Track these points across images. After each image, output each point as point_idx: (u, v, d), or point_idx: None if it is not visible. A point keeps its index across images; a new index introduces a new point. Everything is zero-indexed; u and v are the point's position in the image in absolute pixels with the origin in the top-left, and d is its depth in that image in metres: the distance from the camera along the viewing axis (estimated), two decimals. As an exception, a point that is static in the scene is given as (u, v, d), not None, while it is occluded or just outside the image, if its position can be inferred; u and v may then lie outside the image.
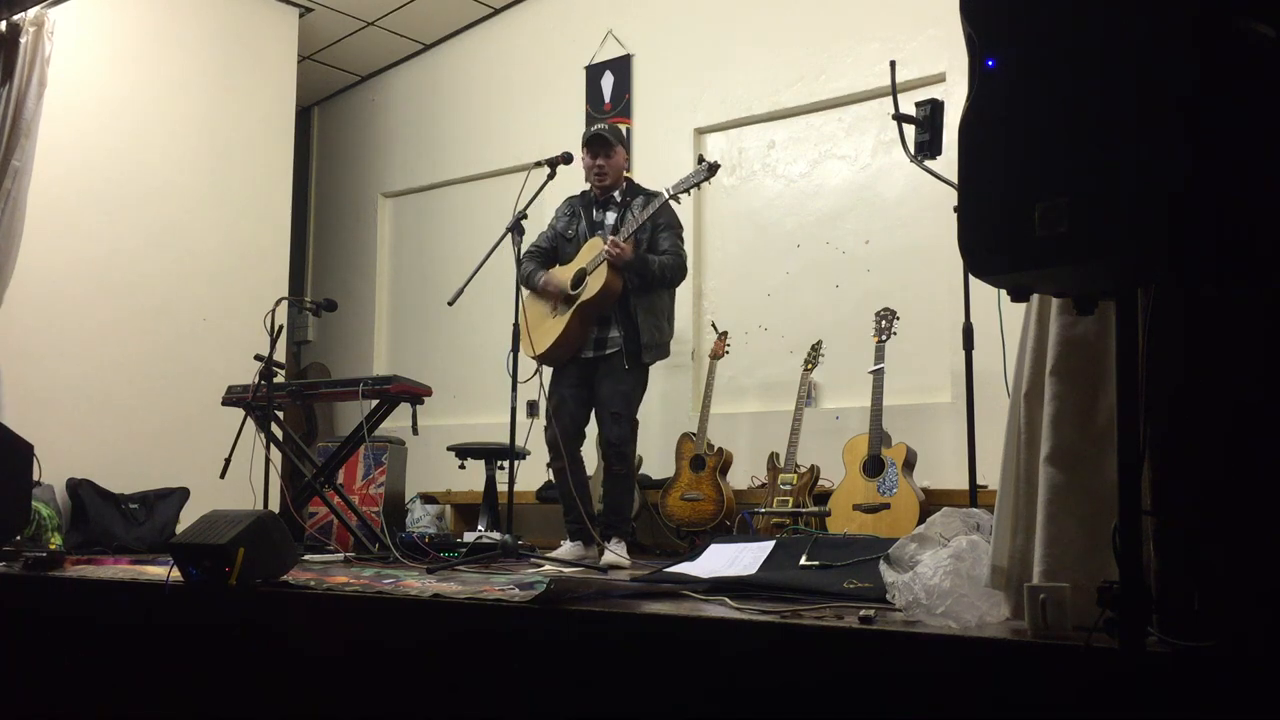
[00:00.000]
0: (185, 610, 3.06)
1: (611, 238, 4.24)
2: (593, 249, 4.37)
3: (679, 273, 4.42)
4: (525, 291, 4.47)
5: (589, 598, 2.49)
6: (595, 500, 4.60)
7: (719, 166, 4.28)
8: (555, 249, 4.60)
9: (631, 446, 4.43)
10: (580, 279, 4.36)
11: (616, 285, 4.28)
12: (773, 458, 4.91)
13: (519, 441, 4.21)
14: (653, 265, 4.31)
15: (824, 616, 2.12)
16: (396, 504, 5.77)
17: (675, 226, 4.45)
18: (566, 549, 4.31)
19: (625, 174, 4.64)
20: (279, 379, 4.58)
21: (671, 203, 4.31)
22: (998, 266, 1.75)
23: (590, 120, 6.23)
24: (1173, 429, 1.80)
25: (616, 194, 4.53)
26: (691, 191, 4.30)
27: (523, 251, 4.42)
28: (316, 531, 4.94)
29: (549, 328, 4.39)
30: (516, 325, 4.17)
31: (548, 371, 4.48)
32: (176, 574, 3.05)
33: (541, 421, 4.51)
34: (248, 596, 2.91)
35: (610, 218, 4.48)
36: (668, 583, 2.87)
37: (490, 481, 5.40)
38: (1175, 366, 1.80)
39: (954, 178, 1.85)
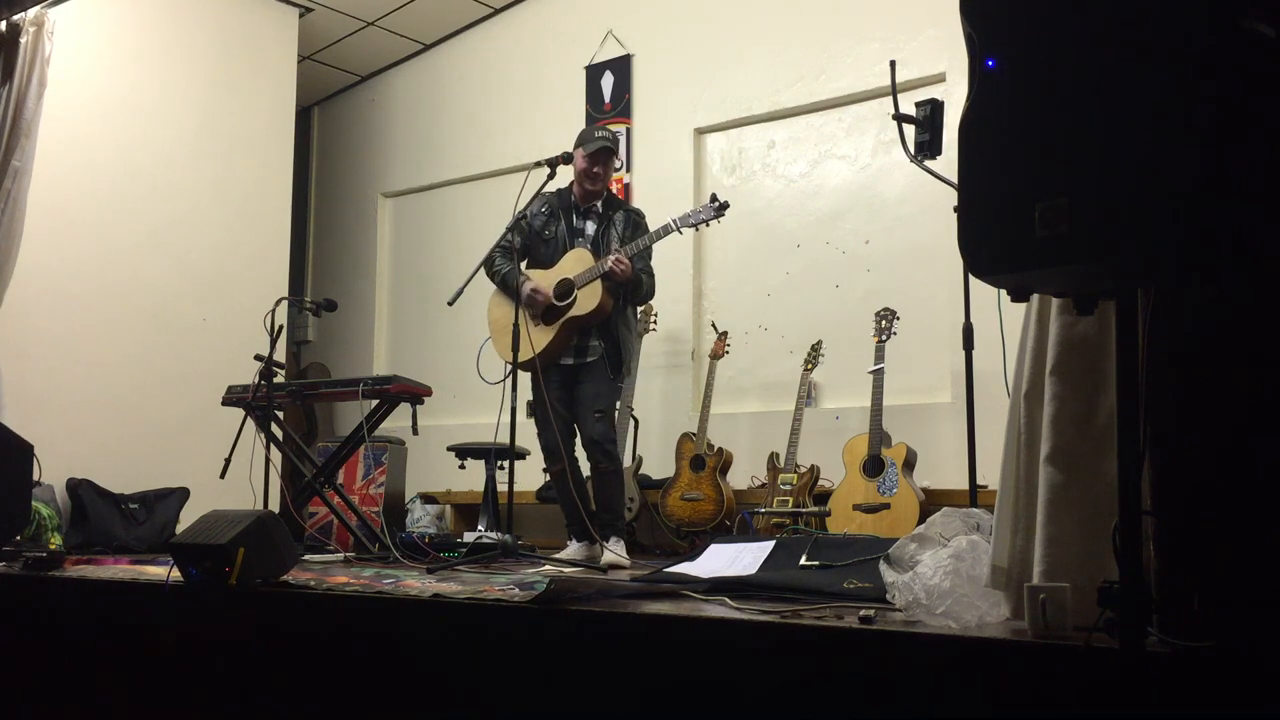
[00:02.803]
0: (185, 610, 3.06)
1: (617, 256, 4.22)
2: (580, 261, 4.34)
3: (650, 293, 4.52)
4: (493, 288, 4.50)
5: (589, 598, 2.49)
6: (591, 500, 4.60)
7: (728, 206, 4.31)
8: (528, 247, 4.54)
9: (615, 443, 4.44)
10: (567, 291, 4.33)
11: (609, 305, 4.30)
12: (773, 458, 4.91)
13: (519, 442, 4.21)
14: (641, 284, 4.37)
15: (824, 616, 2.12)
16: (396, 504, 5.76)
17: (649, 251, 4.48)
18: (573, 549, 4.31)
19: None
20: (279, 379, 4.58)
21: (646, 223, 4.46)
22: (998, 266, 1.76)
23: (590, 120, 6.23)
24: (1173, 429, 1.80)
25: (598, 204, 4.51)
26: (700, 228, 4.35)
27: (495, 245, 4.41)
28: (316, 531, 4.94)
29: (535, 336, 4.34)
30: (516, 325, 4.17)
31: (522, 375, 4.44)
32: (176, 574, 3.05)
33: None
34: (248, 596, 2.91)
35: (590, 228, 4.46)
36: (668, 583, 2.87)
37: (490, 481, 5.39)
38: (1175, 366, 1.80)
39: (954, 178, 1.85)
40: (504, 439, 4.21)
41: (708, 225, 4.37)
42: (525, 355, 4.30)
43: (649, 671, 2.20)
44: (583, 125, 6.02)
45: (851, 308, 5.35)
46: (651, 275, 4.45)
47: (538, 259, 4.51)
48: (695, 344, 5.90)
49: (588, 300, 4.27)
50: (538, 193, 4.46)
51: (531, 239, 4.53)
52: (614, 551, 4.20)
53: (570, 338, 4.37)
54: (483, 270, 4.45)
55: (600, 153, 4.45)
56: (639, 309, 4.73)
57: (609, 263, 4.22)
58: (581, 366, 4.38)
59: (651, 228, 4.40)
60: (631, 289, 4.35)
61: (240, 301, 6.02)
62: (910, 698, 1.87)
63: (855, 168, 5.57)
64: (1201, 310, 1.79)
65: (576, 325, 4.33)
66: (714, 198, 4.34)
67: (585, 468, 4.57)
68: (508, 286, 4.41)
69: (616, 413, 4.58)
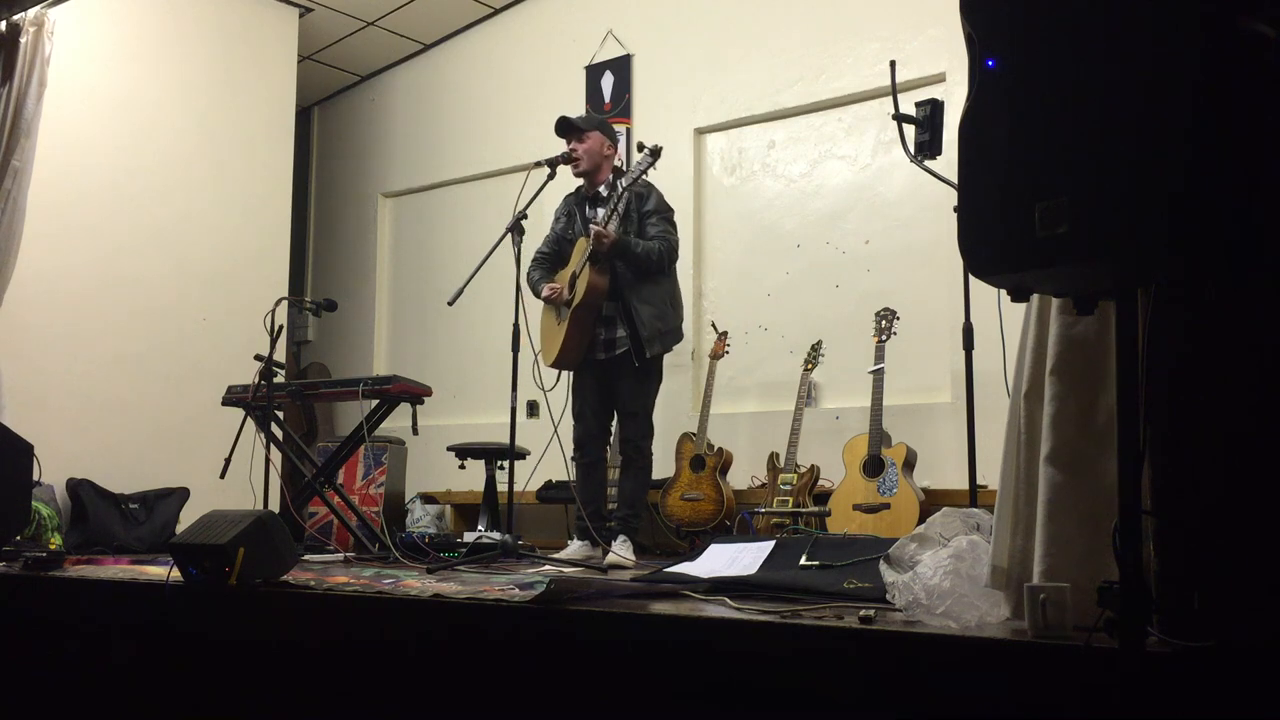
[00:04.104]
0: (185, 610, 3.06)
1: (594, 228, 4.20)
2: (580, 251, 4.38)
3: (667, 255, 4.35)
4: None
5: (589, 598, 2.49)
6: (610, 499, 4.63)
7: (661, 149, 4.24)
8: (560, 252, 4.60)
9: (649, 441, 4.43)
10: (574, 284, 4.36)
11: (601, 283, 4.27)
12: (773, 458, 4.91)
13: (519, 441, 4.21)
14: (635, 248, 4.23)
15: (824, 616, 2.12)
16: (396, 504, 5.77)
17: (663, 210, 4.42)
18: (573, 549, 4.32)
19: (615, 166, 4.58)
20: (279, 379, 4.58)
21: (657, 188, 4.37)
22: (998, 266, 1.75)
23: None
24: (1173, 429, 1.80)
25: (603, 189, 4.49)
26: (649, 173, 4.27)
27: (530, 257, 4.45)
28: (316, 531, 4.94)
29: (556, 335, 4.40)
30: (516, 325, 4.17)
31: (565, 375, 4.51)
32: (176, 574, 3.05)
33: (540, 421, 4.53)
34: (248, 596, 2.91)
35: (600, 215, 4.47)
36: (668, 583, 2.87)
37: (490, 481, 5.40)
38: (1175, 367, 1.80)
39: (954, 178, 1.85)
40: (521, 439, 4.24)
41: (645, 175, 4.28)
42: (551, 358, 4.39)
43: (649, 671, 2.20)
44: (583, 125, 6.02)
45: (851, 308, 5.34)
46: (664, 238, 4.32)
47: (568, 261, 4.55)
48: (695, 344, 5.90)
49: (580, 286, 4.29)
50: (537, 193, 4.46)
51: (560, 244, 4.60)
52: (618, 553, 4.19)
53: (589, 329, 4.35)
54: (483, 266, 4.44)
55: (559, 126, 4.47)
56: (667, 277, 4.44)
57: (590, 242, 4.21)
58: (612, 361, 4.36)
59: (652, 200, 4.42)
60: (621, 254, 4.23)
61: (240, 301, 6.02)
62: (910, 698, 1.87)
63: (855, 168, 5.57)
64: (1202, 310, 1.79)
65: (584, 314, 4.31)
66: (640, 145, 4.27)
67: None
68: (537, 295, 4.49)
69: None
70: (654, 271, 4.34)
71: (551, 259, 4.61)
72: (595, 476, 4.46)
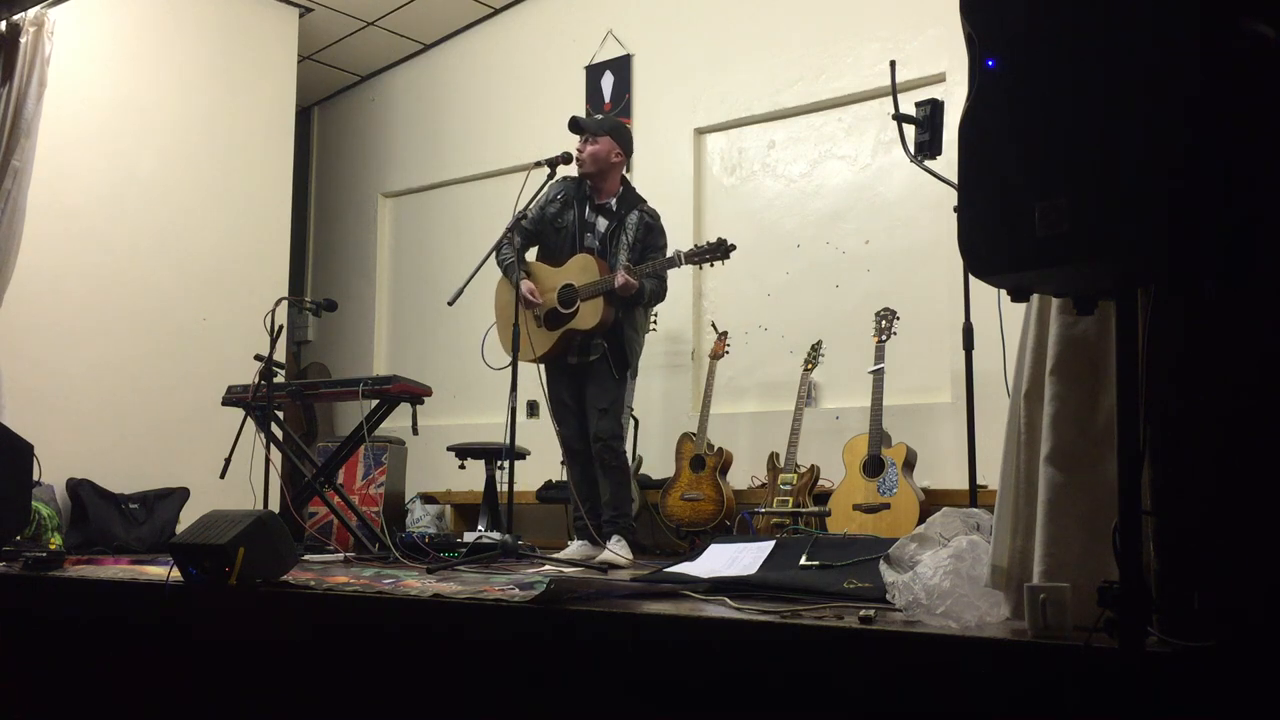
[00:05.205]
0: (185, 610, 3.06)
1: (625, 278, 4.18)
2: (586, 270, 4.33)
3: (659, 298, 4.47)
4: (499, 274, 4.52)
5: (589, 597, 2.49)
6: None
7: (734, 249, 4.25)
8: (541, 232, 4.54)
9: (620, 441, 4.44)
10: (570, 299, 4.33)
11: (610, 319, 4.28)
12: (773, 458, 4.91)
13: (519, 441, 4.21)
14: (646, 290, 4.31)
15: (824, 616, 2.12)
16: (396, 504, 5.77)
17: (664, 249, 4.45)
18: (573, 549, 4.32)
19: (624, 176, 4.57)
20: (279, 379, 4.58)
21: (661, 220, 4.44)
22: (998, 266, 1.75)
23: (590, 120, 6.24)
24: (1173, 429, 1.80)
25: (613, 202, 4.46)
26: (704, 268, 4.33)
27: (505, 233, 4.37)
28: (316, 531, 4.94)
29: (537, 336, 4.37)
30: (516, 325, 4.16)
31: (533, 369, 4.50)
32: (176, 574, 3.05)
33: (540, 421, 4.55)
34: (248, 596, 2.91)
35: (601, 225, 4.43)
36: (668, 583, 2.87)
37: (490, 481, 5.40)
38: (1175, 367, 1.80)
39: (954, 178, 1.85)
40: (521, 439, 4.24)
41: (711, 265, 4.31)
42: (525, 355, 4.34)
43: (649, 671, 2.20)
44: (583, 125, 6.01)
45: (851, 308, 5.34)
46: (660, 279, 4.38)
47: (548, 247, 4.51)
48: (695, 344, 5.90)
49: (589, 315, 4.27)
50: (536, 193, 4.45)
51: (544, 226, 4.52)
52: (613, 550, 4.19)
53: (572, 342, 4.38)
54: (483, 266, 4.43)
55: (571, 125, 4.46)
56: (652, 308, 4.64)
57: (617, 282, 4.19)
58: (585, 366, 4.38)
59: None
60: (634, 298, 4.31)
61: (240, 301, 6.02)
62: (910, 698, 1.87)
63: (855, 168, 5.57)
64: (1202, 309, 1.79)
65: (578, 337, 4.34)
66: (721, 241, 4.25)
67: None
68: (508, 277, 4.45)
69: (625, 409, 4.57)
70: (641, 306, 4.43)
71: (529, 236, 4.52)
72: (590, 475, 4.45)
